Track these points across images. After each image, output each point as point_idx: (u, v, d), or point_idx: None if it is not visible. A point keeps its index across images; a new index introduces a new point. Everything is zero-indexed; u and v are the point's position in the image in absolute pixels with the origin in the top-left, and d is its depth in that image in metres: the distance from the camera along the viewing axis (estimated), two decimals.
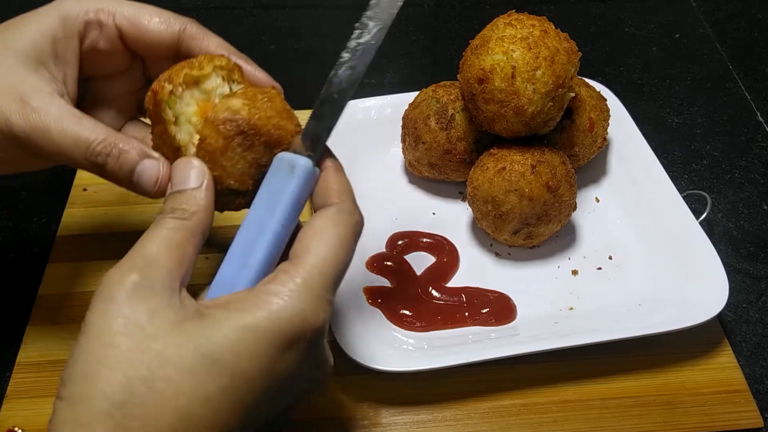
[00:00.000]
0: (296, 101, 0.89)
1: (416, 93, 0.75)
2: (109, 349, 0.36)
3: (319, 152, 0.45)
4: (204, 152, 0.44)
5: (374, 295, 0.64)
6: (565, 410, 0.58)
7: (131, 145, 0.46)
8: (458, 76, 0.67)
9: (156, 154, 0.46)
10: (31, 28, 0.48)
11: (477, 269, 0.67)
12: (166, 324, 0.37)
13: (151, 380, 0.35)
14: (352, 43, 0.46)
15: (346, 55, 0.46)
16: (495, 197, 0.64)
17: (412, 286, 0.65)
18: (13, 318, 0.65)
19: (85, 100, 0.54)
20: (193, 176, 0.43)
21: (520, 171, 0.63)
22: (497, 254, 0.69)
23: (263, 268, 0.42)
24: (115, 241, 0.70)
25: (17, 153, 0.47)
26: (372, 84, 0.92)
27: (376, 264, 0.67)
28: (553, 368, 0.60)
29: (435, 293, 0.65)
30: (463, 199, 0.74)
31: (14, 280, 0.68)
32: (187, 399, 0.36)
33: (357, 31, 0.47)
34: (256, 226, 0.42)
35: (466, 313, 0.63)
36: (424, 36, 1.01)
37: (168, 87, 0.45)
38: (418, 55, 0.97)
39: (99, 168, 0.46)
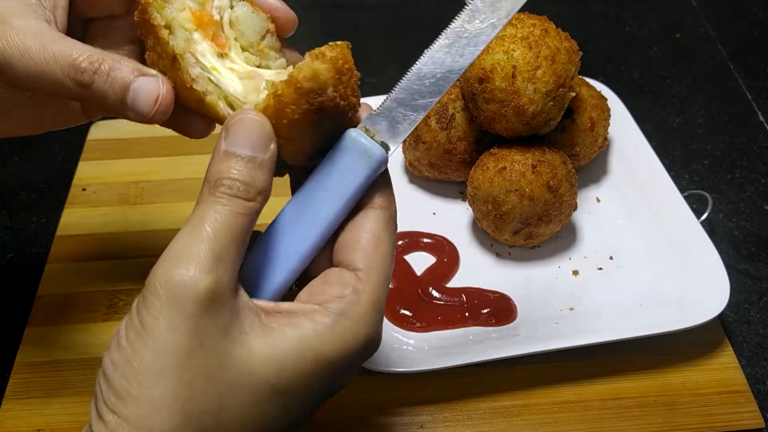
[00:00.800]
0: None
1: None
2: (182, 373, 0.33)
3: (396, 145, 0.40)
4: (271, 113, 0.37)
5: None
6: (566, 411, 0.58)
7: (123, 61, 0.40)
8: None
9: (153, 71, 0.41)
10: None
11: (477, 269, 0.67)
12: (237, 345, 0.34)
13: (220, 412, 0.34)
14: (457, 26, 0.41)
15: (444, 40, 0.41)
16: (495, 197, 0.64)
17: (412, 287, 0.65)
18: (12, 318, 0.64)
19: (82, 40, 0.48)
20: (263, 140, 0.36)
21: (520, 171, 0.63)
22: (497, 254, 0.69)
23: (312, 254, 0.39)
24: (114, 241, 0.70)
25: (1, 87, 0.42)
26: (372, 83, 0.92)
27: None
28: (554, 369, 0.60)
29: (435, 293, 0.65)
30: (464, 199, 0.74)
31: (13, 281, 0.68)
32: (250, 428, 0.34)
33: (466, 12, 0.40)
34: (313, 209, 0.38)
35: (467, 314, 0.63)
36: (424, 35, 1.01)
37: None
38: (419, 55, 0.97)
39: (85, 88, 0.40)
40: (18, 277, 0.68)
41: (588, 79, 0.75)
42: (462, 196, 0.74)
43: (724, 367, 0.61)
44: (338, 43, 0.37)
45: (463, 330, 0.62)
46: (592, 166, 0.76)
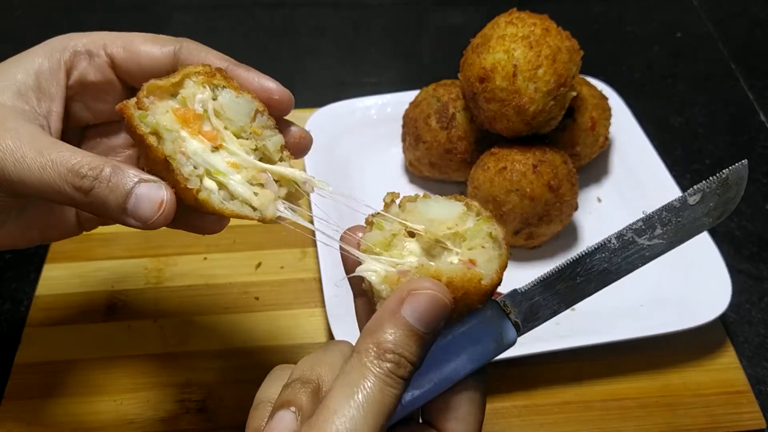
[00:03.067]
0: (296, 99, 0.89)
1: (417, 92, 0.74)
2: None
3: (528, 329, 0.40)
4: (451, 288, 0.37)
5: None
6: (566, 411, 0.58)
7: (124, 167, 0.39)
8: (459, 74, 0.66)
9: (153, 177, 0.40)
10: (20, 63, 0.43)
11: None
12: None
13: None
14: (628, 235, 0.41)
15: (614, 242, 0.41)
16: (496, 197, 0.63)
17: None
18: (11, 319, 0.64)
19: (78, 146, 0.46)
20: (441, 322, 0.35)
21: (521, 170, 0.63)
22: None
23: (416, 406, 0.38)
24: (113, 242, 0.70)
25: None
26: (372, 83, 0.92)
27: None
28: (554, 369, 0.60)
29: None
30: None
31: (12, 281, 0.68)
32: None
33: (639, 223, 0.41)
34: (434, 366, 0.38)
35: None
36: (424, 35, 1.00)
37: (131, 101, 0.40)
38: (419, 54, 0.97)
39: (84, 195, 0.39)
40: (18, 277, 0.68)
41: (589, 79, 0.75)
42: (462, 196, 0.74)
43: (726, 368, 0.61)
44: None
45: None
46: (593, 166, 0.76)
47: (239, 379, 0.59)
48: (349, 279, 0.40)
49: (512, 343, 0.39)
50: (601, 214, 0.72)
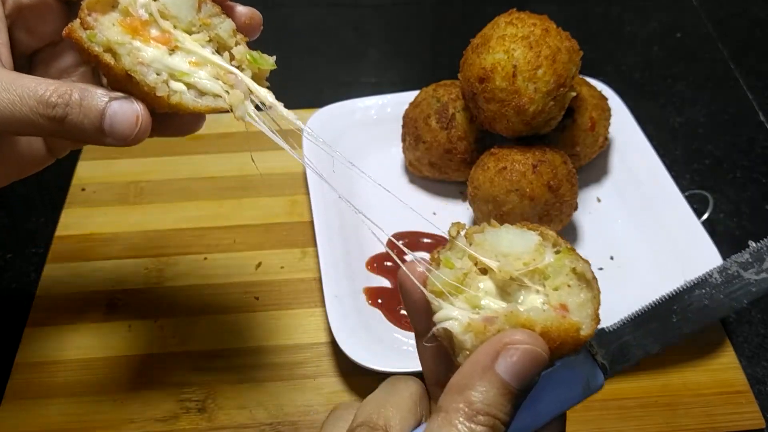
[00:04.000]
0: (295, 99, 0.89)
1: (417, 92, 0.74)
2: None
3: (616, 371, 0.36)
4: (545, 339, 0.33)
5: (374, 296, 0.64)
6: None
7: (90, 88, 0.39)
8: (459, 75, 0.66)
9: (123, 94, 0.39)
10: None
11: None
12: None
13: None
14: (732, 269, 0.37)
15: (716, 277, 0.37)
16: (496, 197, 0.64)
17: None
18: (12, 318, 0.64)
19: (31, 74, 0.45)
20: (536, 377, 0.32)
21: (521, 170, 0.63)
22: None
23: None
24: (113, 242, 0.70)
25: None
26: (372, 83, 0.92)
27: (376, 264, 0.67)
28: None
29: None
30: (464, 199, 0.74)
31: (13, 281, 0.68)
32: None
33: (744, 256, 0.37)
34: (520, 415, 0.34)
35: None
36: (424, 35, 1.01)
37: (76, 23, 0.39)
38: (419, 54, 0.97)
39: (59, 123, 0.38)
40: (17, 278, 0.68)
41: (589, 79, 0.75)
42: (462, 196, 0.74)
43: (725, 368, 0.61)
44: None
45: None
46: (592, 166, 0.76)
47: (239, 379, 0.60)
48: (413, 316, 0.36)
49: (599, 387, 0.36)
50: (601, 214, 0.72)
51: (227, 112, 0.43)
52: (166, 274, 0.67)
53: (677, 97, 0.90)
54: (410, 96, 0.75)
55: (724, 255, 0.64)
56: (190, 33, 0.43)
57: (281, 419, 0.57)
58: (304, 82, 0.90)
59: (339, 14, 1.03)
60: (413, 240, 0.69)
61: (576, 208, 0.67)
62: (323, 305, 0.61)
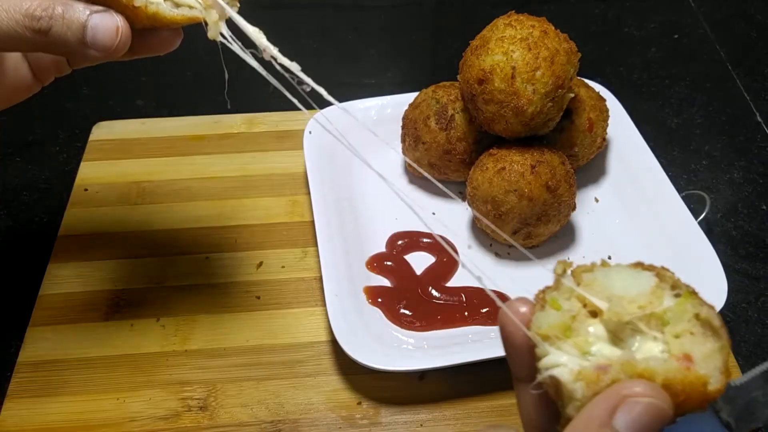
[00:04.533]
0: (299, 100, 0.88)
1: (416, 93, 0.75)
2: None
3: (742, 430, 0.33)
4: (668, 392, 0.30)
5: (374, 295, 0.64)
6: None
7: (71, 2, 0.40)
8: (458, 76, 0.67)
9: (102, 7, 0.41)
10: None
11: (477, 269, 0.67)
12: None
13: None
14: None
15: None
16: (495, 197, 0.64)
17: (412, 286, 0.65)
18: (14, 318, 0.65)
19: None
20: (658, 428, 0.28)
21: (519, 171, 0.63)
22: (497, 254, 0.69)
23: None
24: (116, 242, 0.71)
25: None
26: (372, 84, 0.92)
27: (376, 264, 0.67)
28: None
29: (435, 293, 0.65)
30: (463, 199, 0.74)
31: (15, 280, 0.68)
32: None
33: None
34: None
35: (466, 313, 0.63)
36: (424, 36, 1.01)
37: None
38: (418, 55, 0.98)
39: (44, 35, 0.40)
40: (20, 277, 0.68)
41: (587, 80, 0.76)
42: (462, 196, 0.75)
43: None
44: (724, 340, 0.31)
45: (463, 329, 0.62)
46: (590, 167, 0.76)
47: (241, 378, 0.60)
48: (513, 360, 0.32)
49: None
50: (599, 214, 0.73)
51: (200, 20, 0.43)
52: (167, 274, 0.68)
53: (675, 98, 0.90)
54: (410, 97, 0.75)
55: (721, 255, 0.64)
56: None
57: (282, 417, 0.57)
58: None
59: (339, 16, 1.04)
60: (413, 240, 0.70)
61: (574, 209, 0.67)
62: (324, 304, 0.61)
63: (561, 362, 0.30)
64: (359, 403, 0.58)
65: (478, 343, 0.60)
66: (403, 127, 0.75)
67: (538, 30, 0.62)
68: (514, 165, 0.64)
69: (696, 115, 0.88)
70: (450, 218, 0.72)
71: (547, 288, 0.33)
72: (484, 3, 1.06)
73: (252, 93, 0.90)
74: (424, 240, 0.70)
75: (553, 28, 0.64)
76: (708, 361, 0.30)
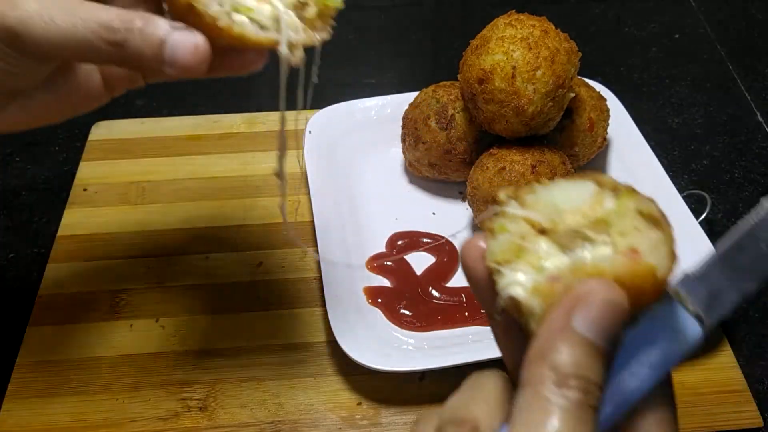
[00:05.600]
0: (296, 101, 0.89)
1: (416, 93, 0.75)
2: None
3: (714, 319, 0.32)
4: (624, 288, 0.30)
5: (374, 295, 0.64)
6: None
7: (153, 17, 0.39)
8: (458, 76, 0.67)
9: (183, 24, 0.39)
10: None
11: None
12: None
13: None
14: None
15: None
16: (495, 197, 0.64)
17: (412, 286, 0.65)
18: (13, 318, 0.65)
19: None
20: (620, 328, 0.29)
21: (520, 171, 0.63)
22: None
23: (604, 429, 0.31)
24: (115, 242, 0.71)
25: (18, 62, 0.39)
26: (372, 84, 0.92)
27: (376, 264, 0.67)
28: None
29: (435, 293, 0.65)
30: (463, 199, 0.74)
31: (14, 281, 0.68)
32: None
33: None
34: (612, 386, 0.30)
35: (466, 313, 0.63)
36: (424, 36, 1.01)
37: None
38: (418, 55, 0.97)
39: (119, 48, 0.39)
40: (19, 277, 0.68)
41: (587, 80, 0.76)
42: (462, 196, 0.75)
43: (723, 367, 0.61)
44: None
45: (463, 329, 0.62)
46: (591, 166, 0.76)
47: (240, 378, 0.60)
48: (482, 299, 0.33)
49: (698, 339, 0.31)
50: None
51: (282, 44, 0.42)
52: (167, 274, 0.68)
53: (675, 98, 0.90)
54: (410, 97, 0.75)
55: None
56: None
57: (282, 418, 0.57)
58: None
59: (339, 16, 1.03)
60: (413, 240, 0.70)
61: None
62: (323, 305, 0.61)
63: (515, 281, 0.30)
64: (359, 404, 0.58)
65: (479, 344, 0.60)
66: (403, 127, 0.75)
67: (538, 29, 0.62)
68: (514, 165, 0.64)
69: (697, 115, 0.88)
70: (450, 218, 0.72)
71: (494, 216, 0.33)
72: (484, 3, 1.06)
73: (251, 92, 0.90)
74: (424, 240, 0.70)
75: (553, 27, 0.63)
76: (654, 251, 0.30)
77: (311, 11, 0.42)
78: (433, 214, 0.73)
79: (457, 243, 0.70)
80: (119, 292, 0.66)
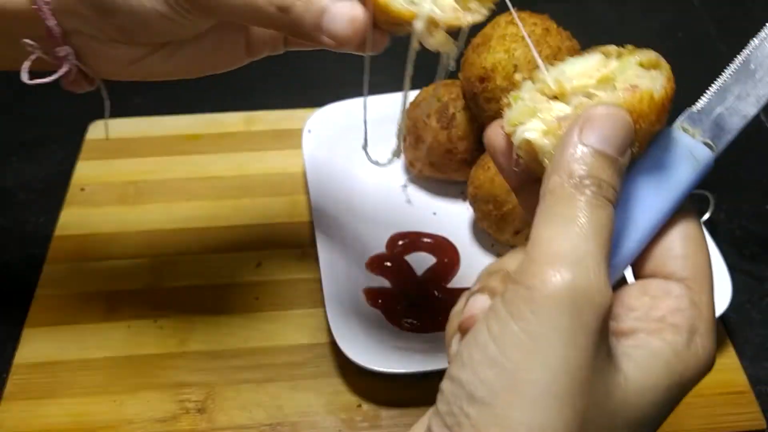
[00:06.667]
0: (297, 99, 0.89)
1: (417, 92, 0.74)
2: (579, 400, 0.27)
3: (722, 145, 0.36)
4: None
5: (374, 296, 0.64)
6: None
7: None
8: (459, 74, 0.66)
9: None
10: None
11: (478, 270, 0.67)
12: (615, 371, 0.29)
13: None
14: None
15: None
16: (496, 196, 0.63)
17: (412, 287, 0.65)
18: (11, 319, 0.64)
19: None
20: (628, 144, 0.31)
21: None
22: (499, 255, 0.68)
23: (631, 258, 0.34)
24: (112, 242, 0.70)
25: (187, 14, 0.42)
26: (372, 83, 0.91)
27: (376, 264, 0.67)
28: None
29: (435, 293, 0.64)
30: (464, 199, 0.74)
31: (12, 281, 0.68)
32: None
33: None
34: (632, 209, 0.33)
35: None
36: None
37: None
38: (418, 55, 0.97)
39: (284, 13, 0.41)
40: (16, 278, 0.68)
41: None
42: (462, 196, 0.74)
43: (726, 368, 0.61)
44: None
45: None
46: None
47: (239, 380, 0.59)
48: (507, 174, 0.36)
49: (709, 162, 0.35)
50: None
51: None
52: (165, 274, 0.67)
53: (677, 97, 0.89)
54: (410, 96, 0.75)
55: (726, 255, 0.64)
56: None
57: (281, 420, 0.57)
58: (304, 82, 0.90)
59: None
60: (413, 240, 0.69)
61: None
62: (323, 305, 0.60)
63: (529, 128, 0.33)
64: (359, 406, 0.58)
65: None
66: None
67: (540, 28, 0.62)
68: None
69: None
70: (450, 218, 0.72)
71: (506, 94, 0.36)
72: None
73: (251, 92, 0.90)
74: (425, 240, 0.69)
75: (555, 26, 0.63)
76: (652, 82, 0.34)
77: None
78: (434, 214, 0.73)
79: (458, 243, 0.69)
80: (117, 292, 0.66)
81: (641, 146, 0.33)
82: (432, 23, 0.42)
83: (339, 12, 0.41)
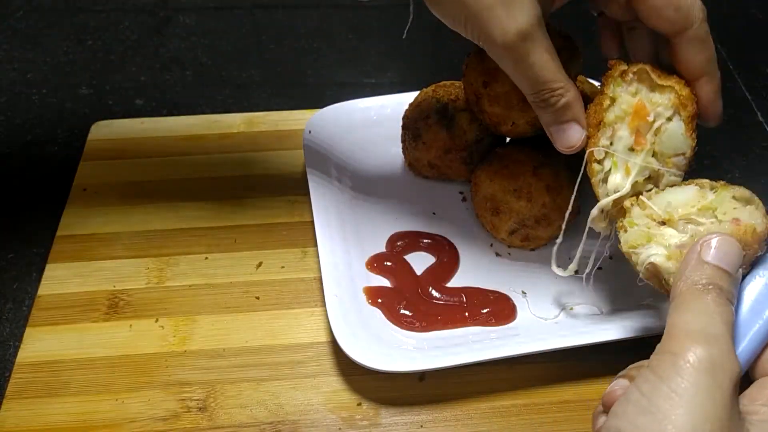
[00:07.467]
0: (297, 100, 0.89)
1: (416, 93, 0.75)
2: None
3: None
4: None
5: (374, 295, 0.64)
6: (565, 410, 0.58)
7: (574, 106, 0.50)
8: (462, 79, 0.66)
9: (584, 124, 0.50)
10: None
11: (477, 269, 0.67)
12: None
13: None
14: None
15: None
16: (494, 195, 0.64)
17: (412, 286, 0.65)
18: (13, 318, 0.64)
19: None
20: (737, 260, 0.41)
21: (521, 172, 0.63)
22: (497, 254, 0.69)
23: (747, 363, 0.41)
24: (114, 242, 0.70)
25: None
26: (372, 84, 0.92)
27: (376, 264, 0.67)
28: (553, 368, 0.60)
29: (435, 293, 0.65)
30: (464, 200, 0.74)
31: (13, 281, 0.68)
32: None
33: None
34: (745, 321, 0.41)
35: (466, 314, 0.63)
36: (424, 35, 1.01)
37: (621, 68, 0.50)
38: (418, 55, 0.97)
39: (534, 104, 0.51)
40: (18, 277, 0.68)
41: (590, 80, 0.75)
42: (462, 196, 0.75)
43: None
44: None
45: (463, 330, 0.62)
46: None
47: (240, 378, 0.60)
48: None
49: None
50: None
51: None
52: (166, 274, 0.68)
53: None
54: (410, 96, 0.75)
55: None
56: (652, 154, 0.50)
57: (282, 418, 0.57)
58: (304, 84, 0.90)
59: (339, 15, 1.03)
60: (413, 240, 0.69)
61: (579, 212, 0.67)
62: (323, 305, 0.61)
63: (652, 253, 0.44)
64: (359, 404, 0.58)
65: (479, 344, 0.60)
66: (403, 127, 0.74)
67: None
68: (516, 166, 0.63)
69: None
70: (450, 218, 0.72)
71: (620, 219, 0.48)
72: None
73: (251, 92, 0.90)
74: (424, 240, 0.70)
75: (555, 27, 0.63)
76: (751, 217, 0.43)
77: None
78: (434, 214, 0.73)
79: (458, 243, 0.70)
80: (119, 292, 0.66)
81: (746, 269, 0.42)
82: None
83: (569, 133, 0.50)
